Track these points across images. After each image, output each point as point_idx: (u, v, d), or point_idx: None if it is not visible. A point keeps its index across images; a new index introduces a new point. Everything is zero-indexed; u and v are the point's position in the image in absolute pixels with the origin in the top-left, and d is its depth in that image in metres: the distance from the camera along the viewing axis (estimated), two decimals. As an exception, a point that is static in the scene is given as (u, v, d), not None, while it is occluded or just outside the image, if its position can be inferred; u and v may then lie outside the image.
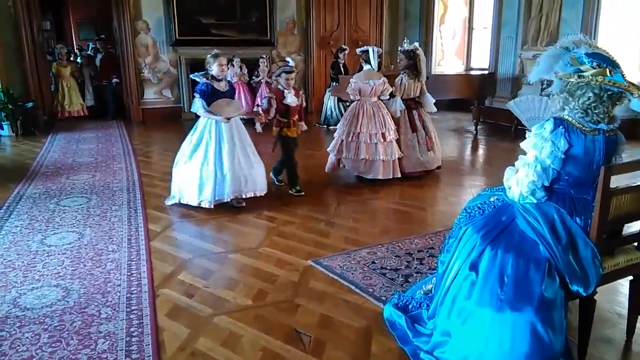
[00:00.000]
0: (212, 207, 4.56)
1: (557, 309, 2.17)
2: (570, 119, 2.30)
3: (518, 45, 9.50)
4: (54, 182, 5.71)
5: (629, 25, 8.14)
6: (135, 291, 3.14)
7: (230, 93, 4.71)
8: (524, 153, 2.38)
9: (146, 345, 2.58)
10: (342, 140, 5.57)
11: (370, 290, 3.14)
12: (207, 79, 4.58)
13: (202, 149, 4.59)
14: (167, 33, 10.07)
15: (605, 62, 2.22)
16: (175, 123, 9.91)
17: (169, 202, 4.81)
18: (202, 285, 3.26)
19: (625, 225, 2.51)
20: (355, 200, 5.15)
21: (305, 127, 5.31)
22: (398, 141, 5.61)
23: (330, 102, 9.39)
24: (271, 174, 5.38)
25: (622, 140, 2.39)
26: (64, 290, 3.16)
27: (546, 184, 2.30)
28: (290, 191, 5.16)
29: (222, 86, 4.62)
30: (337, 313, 2.90)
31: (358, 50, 6.02)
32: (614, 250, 2.42)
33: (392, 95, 5.65)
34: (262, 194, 4.85)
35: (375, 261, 3.58)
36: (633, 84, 2.22)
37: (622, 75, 2.22)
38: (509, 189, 2.41)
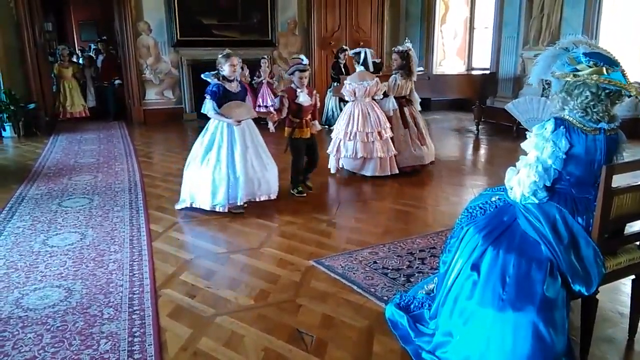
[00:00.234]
0: (226, 210, 4.49)
1: (559, 309, 2.16)
2: (570, 118, 2.30)
3: (519, 45, 9.49)
4: (56, 183, 5.72)
5: (631, 24, 8.12)
6: (138, 292, 3.15)
7: (242, 94, 4.60)
8: (525, 153, 2.38)
9: (148, 345, 2.58)
10: (340, 140, 5.72)
11: (372, 290, 3.15)
12: (218, 79, 4.47)
13: (215, 152, 4.48)
14: (169, 34, 10.08)
15: (603, 60, 2.22)
16: (177, 124, 9.94)
17: (178, 206, 4.68)
18: (204, 285, 3.26)
19: (627, 224, 2.51)
20: (357, 200, 5.17)
21: (319, 127, 5.27)
22: (392, 138, 5.79)
23: (331, 103, 9.42)
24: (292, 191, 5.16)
25: (623, 139, 2.39)
26: (67, 291, 3.16)
27: (547, 184, 2.30)
28: (291, 191, 5.16)
29: (233, 87, 4.52)
30: (339, 313, 2.91)
31: (351, 52, 6.25)
32: (616, 249, 2.41)
33: (385, 94, 5.84)
34: (276, 197, 4.79)
35: (377, 261, 3.58)
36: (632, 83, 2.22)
37: (623, 74, 2.22)
38: (511, 189, 2.41)
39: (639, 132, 7.70)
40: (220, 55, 4.49)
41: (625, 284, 2.83)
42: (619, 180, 2.24)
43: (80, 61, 12.32)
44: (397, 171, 5.76)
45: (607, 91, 2.23)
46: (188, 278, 3.37)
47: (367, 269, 3.45)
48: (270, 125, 5.07)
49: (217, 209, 4.50)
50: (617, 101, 2.27)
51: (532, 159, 2.30)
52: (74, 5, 16.03)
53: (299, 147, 5.03)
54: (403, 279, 3.30)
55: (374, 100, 5.76)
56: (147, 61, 10.07)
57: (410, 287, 3.12)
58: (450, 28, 11.71)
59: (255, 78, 9.47)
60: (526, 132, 2.42)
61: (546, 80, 2.55)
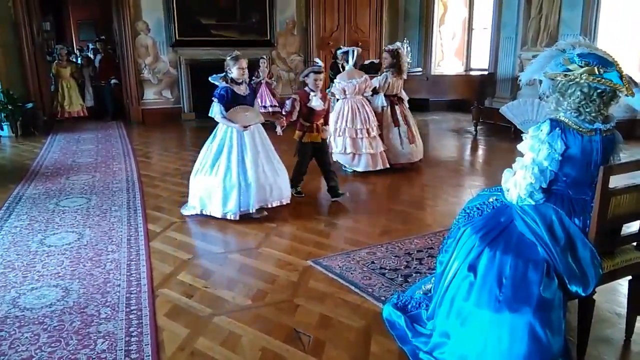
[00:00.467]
0: (238, 218, 4.34)
1: (555, 310, 2.16)
2: (566, 120, 2.30)
3: (518, 45, 9.49)
4: (53, 183, 5.72)
5: (629, 25, 8.13)
6: (135, 291, 3.14)
7: (250, 97, 4.46)
8: (522, 155, 2.38)
9: (145, 345, 2.58)
10: (331, 135, 5.80)
11: (370, 290, 3.15)
12: (227, 82, 4.32)
13: (224, 158, 4.33)
14: (167, 34, 10.07)
15: (596, 60, 2.22)
16: (175, 124, 9.94)
17: (187, 212, 4.55)
18: (201, 285, 3.26)
19: (624, 225, 2.51)
20: (355, 200, 5.17)
21: (330, 133, 5.23)
22: (381, 135, 5.98)
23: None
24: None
25: (620, 139, 2.39)
26: (64, 291, 3.16)
27: (544, 185, 2.30)
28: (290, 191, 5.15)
29: (242, 90, 4.37)
30: (336, 313, 2.91)
31: (339, 51, 6.55)
32: (613, 250, 2.42)
33: (374, 91, 6.03)
34: (288, 202, 4.68)
35: (375, 261, 3.58)
36: (631, 83, 2.22)
37: (619, 73, 2.21)
38: (507, 191, 2.41)
39: (636, 133, 7.73)
40: (228, 57, 4.36)
41: (623, 285, 2.83)
42: (616, 181, 2.25)
43: (79, 61, 12.30)
44: (388, 165, 5.94)
45: (599, 91, 2.23)
46: (185, 278, 3.37)
47: (364, 269, 3.45)
48: (278, 129, 4.84)
49: (228, 217, 4.34)
50: (610, 101, 2.27)
51: (528, 161, 2.30)
52: (72, 5, 16.00)
53: (307, 151, 4.93)
54: (401, 279, 3.30)
55: (364, 97, 5.92)
56: (145, 61, 10.06)
57: (407, 287, 3.12)
58: (449, 29, 11.72)
59: (253, 78, 9.46)
60: (522, 134, 2.42)
61: (539, 80, 2.55)
